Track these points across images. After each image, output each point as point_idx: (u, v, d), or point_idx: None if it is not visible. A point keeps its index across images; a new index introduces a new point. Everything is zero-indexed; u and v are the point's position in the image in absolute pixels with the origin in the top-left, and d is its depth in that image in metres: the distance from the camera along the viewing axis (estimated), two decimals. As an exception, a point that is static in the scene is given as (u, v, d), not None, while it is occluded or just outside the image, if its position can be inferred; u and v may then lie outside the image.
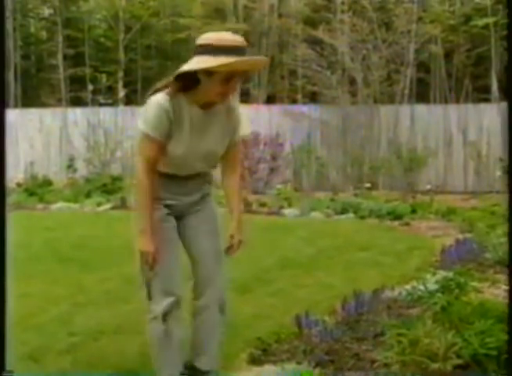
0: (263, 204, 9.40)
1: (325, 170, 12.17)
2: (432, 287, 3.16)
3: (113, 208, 9.47)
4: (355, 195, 10.37)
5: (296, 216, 8.56)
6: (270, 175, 12.11)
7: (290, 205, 9.27)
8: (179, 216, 2.57)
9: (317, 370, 2.76)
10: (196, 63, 2.26)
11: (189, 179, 2.54)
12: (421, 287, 3.13)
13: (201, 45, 2.27)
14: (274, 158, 12.32)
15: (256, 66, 2.60)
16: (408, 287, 3.70)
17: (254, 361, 2.86)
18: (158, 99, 2.34)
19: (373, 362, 2.87)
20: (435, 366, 2.25)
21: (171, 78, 2.36)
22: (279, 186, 10.95)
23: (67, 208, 9.35)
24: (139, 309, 3.69)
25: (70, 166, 12.02)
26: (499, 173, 11.13)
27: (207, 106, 2.44)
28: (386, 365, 2.69)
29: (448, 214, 8.13)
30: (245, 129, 2.61)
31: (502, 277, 4.45)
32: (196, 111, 2.42)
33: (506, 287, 4.09)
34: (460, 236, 5.93)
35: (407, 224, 7.75)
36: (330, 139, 12.67)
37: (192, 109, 2.41)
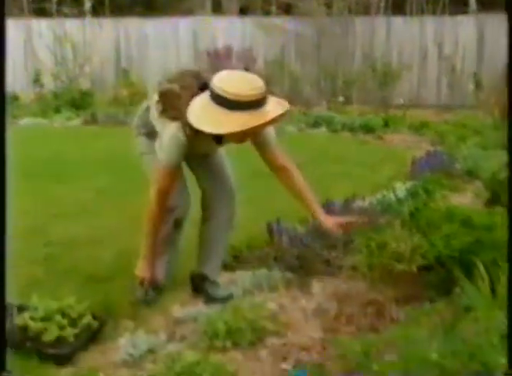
0: (236, 119, 9.30)
1: (298, 84, 12.00)
2: (401, 194, 3.22)
3: (83, 123, 9.30)
4: (329, 109, 10.31)
5: (269, 130, 8.51)
6: (243, 89, 11.92)
7: (263, 119, 9.19)
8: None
9: (287, 275, 2.85)
10: (211, 122, 2.15)
11: None
12: (391, 195, 3.19)
13: (218, 95, 2.13)
14: (247, 72, 12.09)
15: (271, 122, 2.24)
16: (379, 196, 3.77)
17: (226, 267, 2.92)
18: (175, 132, 2.29)
19: (342, 267, 2.96)
20: (401, 267, 2.33)
21: (183, 110, 2.23)
22: (252, 101, 10.79)
23: (35, 124, 9.13)
24: (112, 221, 3.73)
25: (37, 80, 11.63)
26: (472, 87, 11.13)
27: (223, 140, 2.45)
28: (354, 268, 2.79)
29: (420, 127, 8.16)
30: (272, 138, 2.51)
31: (470, 187, 4.56)
32: (212, 146, 2.51)
33: (472, 196, 4.21)
34: (431, 149, 6.00)
35: (380, 137, 7.78)
36: (304, 52, 12.41)
37: (208, 143, 2.45)
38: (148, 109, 2.59)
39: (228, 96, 2.11)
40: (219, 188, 2.70)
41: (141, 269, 2.53)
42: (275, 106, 2.21)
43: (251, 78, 2.19)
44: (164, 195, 2.40)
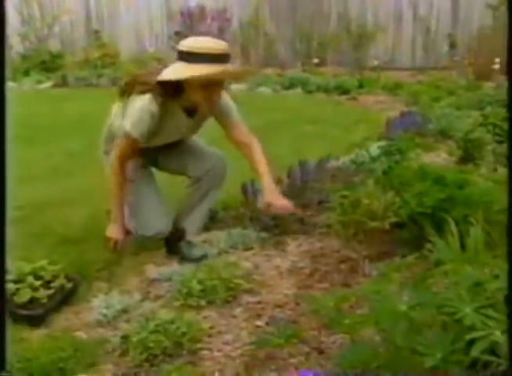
0: (210, 81, 9.20)
1: (273, 45, 11.86)
2: (375, 153, 3.23)
3: (54, 86, 9.10)
4: (303, 71, 10.24)
5: (243, 91, 8.45)
6: (217, 50, 11.75)
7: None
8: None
9: (262, 234, 2.86)
10: (173, 72, 2.29)
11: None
12: (364, 154, 3.20)
13: (183, 52, 2.28)
14: (221, 33, 11.88)
15: (235, 76, 2.46)
16: (352, 156, 3.78)
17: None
18: (146, 104, 2.36)
19: (316, 225, 2.99)
20: (374, 224, 2.35)
21: (152, 81, 2.35)
22: (226, 62, 10.67)
23: (5, 87, 8.90)
24: (84, 183, 3.69)
25: (5, 42, 11.30)
26: (446, 48, 11.13)
27: (193, 113, 2.52)
28: (328, 226, 2.81)
29: (394, 88, 8.17)
30: (234, 112, 2.62)
31: (443, 146, 4.59)
32: (183, 119, 2.51)
33: (445, 156, 4.25)
34: (405, 109, 6.01)
35: (354, 98, 7.77)
36: (279, 13, 12.24)
37: (179, 116, 2.49)
38: (111, 124, 2.64)
39: (190, 50, 2.25)
40: (203, 166, 2.69)
41: (112, 232, 2.56)
42: (237, 66, 2.31)
43: (215, 40, 2.33)
44: (125, 159, 2.49)
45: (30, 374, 1.76)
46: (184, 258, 2.64)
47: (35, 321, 2.09)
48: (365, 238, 2.51)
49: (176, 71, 2.29)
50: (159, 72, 2.36)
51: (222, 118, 2.60)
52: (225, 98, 2.56)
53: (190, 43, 2.29)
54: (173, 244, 2.72)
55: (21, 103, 7.36)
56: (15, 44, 11.31)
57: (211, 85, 2.33)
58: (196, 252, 2.67)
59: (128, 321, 2.10)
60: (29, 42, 11.46)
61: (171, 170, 2.81)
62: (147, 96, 2.36)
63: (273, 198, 2.48)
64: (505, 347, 1.17)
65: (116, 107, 2.58)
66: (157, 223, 2.58)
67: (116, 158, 2.48)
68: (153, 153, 2.70)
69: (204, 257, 2.65)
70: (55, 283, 2.22)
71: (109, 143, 2.65)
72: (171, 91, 2.38)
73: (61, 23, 11.48)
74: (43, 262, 2.30)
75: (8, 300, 2.09)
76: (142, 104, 2.36)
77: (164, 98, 2.40)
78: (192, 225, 2.74)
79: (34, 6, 11.57)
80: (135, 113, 2.38)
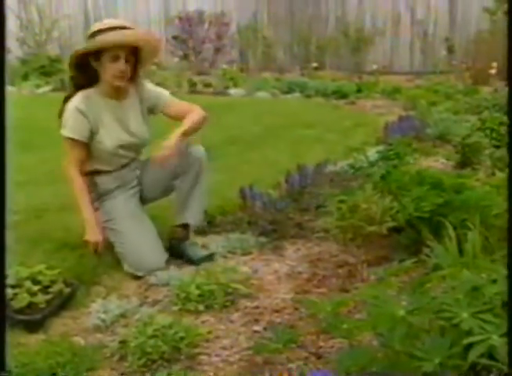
0: (208, 85, 9.21)
1: (271, 50, 11.89)
2: (373, 158, 3.24)
3: (52, 90, 9.10)
4: (302, 75, 10.26)
5: (242, 96, 8.46)
6: (215, 55, 11.78)
7: (235, 85, 9.12)
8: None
9: (260, 239, 2.86)
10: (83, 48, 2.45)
11: (122, 169, 2.67)
12: (362, 158, 3.20)
13: (88, 36, 2.47)
14: (219, 38, 11.92)
15: (132, 38, 2.47)
16: (351, 160, 3.78)
17: (200, 232, 2.91)
18: (72, 102, 2.49)
19: (314, 230, 2.99)
20: (372, 229, 2.35)
21: (71, 77, 2.54)
22: (224, 66, 10.69)
23: (3, 91, 8.90)
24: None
25: (3, 46, 11.31)
26: (444, 52, 11.17)
27: (118, 96, 2.58)
28: (326, 230, 2.81)
29: (393, 93, 8.19)
30: (164, 93, 2.72)
31: (441, 150, 4.60)
32: (112, 104, 2.57)
33: (443, 160, 4.25)
34: (403, 114, 6.02)
35: (352, 103, 7.79)
36: (277, 18, 12.27)
37: (107, 103, 2.55)
38: None
39: (94, 29, 2.46)
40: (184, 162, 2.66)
41: (89, 234, 2.57)
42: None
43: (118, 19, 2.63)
44: (78, 163, 2.56)
45: (28, 380, 1.76)
46: (190, 260, 2.63)
47: (33, 326, 2.09)
48: (363, 243, 2.51)
49: (81, 46, 2.48)
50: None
51: (157, 103, 2.67)
52: (150, 85, 2.70)
53: (93, 26, 2.52)
54: (177, 245, 2.71)
55: (20, 108, 7.36)
56: (14, 48, 11.33)
57: (118, 58, 2.42)
58: (203, 252, 2.68)
59: (126, 326, 2.09)
60: (28, 47, 11.49)
61: (158, 190, 2.78)
62: (70, 102, 2.50)
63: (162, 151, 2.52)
64: (503, 352, 1.17)
65: None
66: (150, 262, 2.52)
67: (68, 165, 2.55)
68: (130, 180, 2.72)
69: (212, 256, 2.66)
70: (54, 289, 2.21)
71: None
72: (88, 79, 2.52)
73: (60, 28, 11.53)
74: (41, 267, 2.29)
75: (6, 305, 2.09)
76: (69, 107, 2.50)
77: (86, 90, 2.52)
78: (192, 216, 2.71)
79: (33, 11, 11.59)
80: (66, 117, 2.50)
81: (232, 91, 8.75)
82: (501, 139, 4.21)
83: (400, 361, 1.34)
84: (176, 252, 2.71)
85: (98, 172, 2.65)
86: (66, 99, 2.54)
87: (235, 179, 3.57)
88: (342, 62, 11.44)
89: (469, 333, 1.23)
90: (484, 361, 1.20)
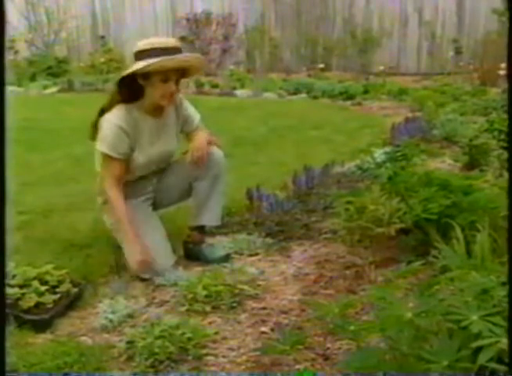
0: (215, 86, 9.21)
1: (278, 51, 11.88)
2: (380, 159, 3.23)
3: (60, 91, 9.14)
4: (309, 76, 10.25)
5: (248, 97, 8.46)
6: (222, 56, 11.76)
7: (242, 86, 9.12)
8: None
9: (267, 240, 2.86)
10: (130, 69, 2.38)
11: (140, 179, 2.67)
12: (370, 160, 3.20)
13: (135, 53, 2.41)
14: (226, 39, 11.92)
15: (187, 63, 2.48)
16: (358, 161, 3.78)
17: (206, 233, 2.91)
18: (112, 118, 2.43)
19: (321, 231, 2.98)
20: (379, 230, 2.34)
21: (114, 90, 2.48)
22: (231, 67, 10.70)
23: (10, 92, 8.94)
24: (89, 188, 3.68)
25: (11, 47, 11.34)
26: (451, 54, 11.12)
27: (158, 114, 2.55)
28: (333, 231, 2.81)
29: (399, 94, 8.15)
30: (196, 116, 2.72)
31: (448, 152, 4.59)
32: (151, 121, 2.54)
33: (450, 161, 4.24)
34: (410, 115, 6.00)
35: (359, 104, 7.77)
36: (284, 19, 12.26)
37: (146, 119, 2.52)
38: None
39: (143, 47, 2.38)
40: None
41: (139, 254, 2.41)
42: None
43: (164, 37, 2.64)
44: (117, 181, 2.48)
45: (36, 379, 1.76)
46: (207, 261, 2.64)
47: (41, 326, 2.09)
48: (371, 244, 2.51)
49: (133, 67, 2.38)
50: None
51: (187, 126, 2.69)
52: (187, 103, 2.70)
53: (141, 43, 2.42)
54: (194, 247, 2.72)
55: (27, 108, 7.40)
56: (21, 49, 11.38)
57: (169, 80, 2.41)
58: (220, 252, 2.69)
59: (133, 326, 2.09)
60: (35, 48, 11.53)
61: (174, 194, 2.77)
62: (109, 115, 2.43)
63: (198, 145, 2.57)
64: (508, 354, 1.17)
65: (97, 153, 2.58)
66: (156, 265, 2.47)
67: (107, 183, 2.47)
68: (145, 186, 2.72)
69: (228, 256, 2.67)
70: (61, 288, 2.22)
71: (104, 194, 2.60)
72: (132, 95, 2.47)
73: (67, 29, 11.55)
74: (48, 267, 2.30)
75: (12, 305, 2.10)
76: (110, 122, 2.43)
77: (126, 105, 2.46)
78: (210, 218, 2.72)
79: (41, 12, 11.63)
80: (106, 132, 2.43)
81: (239, 92, 8.75)
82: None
83: (408, 363, 1.34)
84: (192, 254, 2.72)
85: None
86: (103, 112, 2.47)
87: (242, 180, 3.57)
88: (349, 63, 11.40)
89: (478, 336, 1.22)
90: (493, 365, 1.19)
